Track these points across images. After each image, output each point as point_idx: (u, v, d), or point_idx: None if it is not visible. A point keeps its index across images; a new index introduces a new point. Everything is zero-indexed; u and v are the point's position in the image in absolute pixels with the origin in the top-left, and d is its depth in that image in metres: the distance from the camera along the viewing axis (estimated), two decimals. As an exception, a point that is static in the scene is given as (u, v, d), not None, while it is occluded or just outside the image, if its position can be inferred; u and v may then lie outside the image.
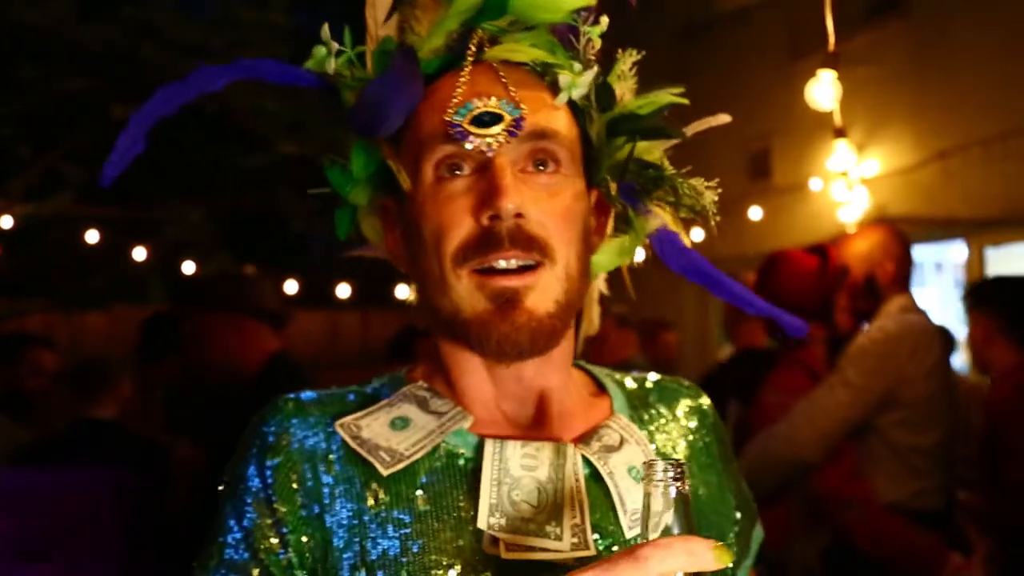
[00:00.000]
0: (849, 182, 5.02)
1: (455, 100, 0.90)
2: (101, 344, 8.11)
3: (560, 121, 0.94)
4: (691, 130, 0.99)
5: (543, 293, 0.89)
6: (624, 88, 0.99)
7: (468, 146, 0.89)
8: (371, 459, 0.89)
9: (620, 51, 0.99)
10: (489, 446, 0.91)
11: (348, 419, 0.93)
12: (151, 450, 3.00)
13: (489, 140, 0.89)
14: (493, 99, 0.90)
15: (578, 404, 1.00)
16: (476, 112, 0.89)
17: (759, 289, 2.88)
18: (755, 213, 6.16)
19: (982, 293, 3.03)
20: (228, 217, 10.45)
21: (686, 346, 6.81)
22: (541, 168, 0.92)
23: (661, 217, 1.01)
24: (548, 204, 0.91)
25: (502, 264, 0.88)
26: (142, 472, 2.81)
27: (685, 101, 0.97)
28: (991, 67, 5.80)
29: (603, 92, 0.97)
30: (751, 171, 7.48)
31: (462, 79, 0.92)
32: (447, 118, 0.90)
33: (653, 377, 1.11)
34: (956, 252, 6.59)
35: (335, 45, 0.96)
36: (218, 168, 9.67)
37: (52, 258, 8.78)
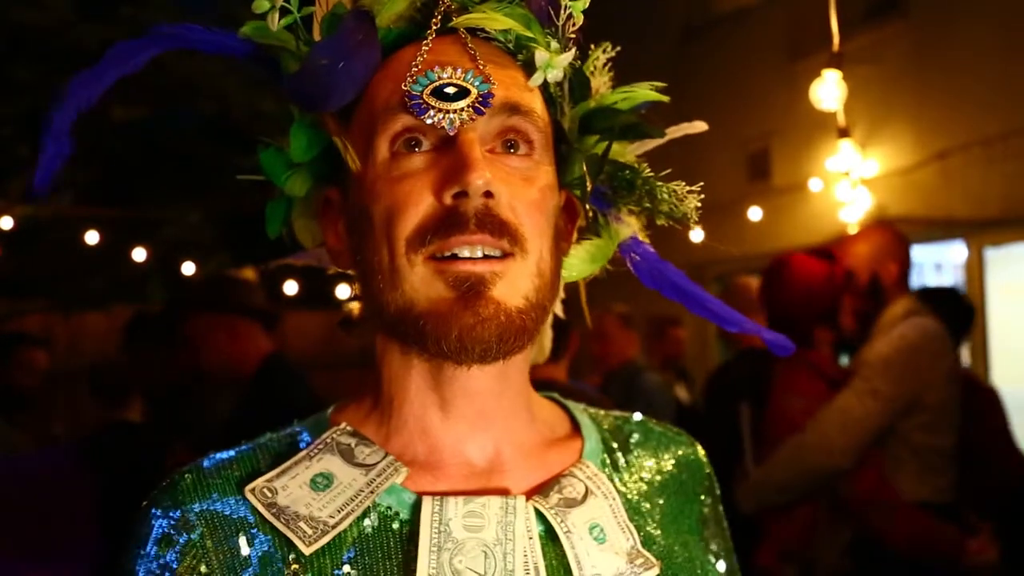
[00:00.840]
0: (852, 182, 5.03)
1: (415, 68, 0.79)
2: (100, 344, 8.10)
3: (534, 101, 0.83)
4: (671, 133, 0.90)
5: (512, 285, 0.77)
6: (599, 83, 0.89)
7: (428, 121, 0.77)
8: (290, 534, 0.76)
9: (592, 46, 0.89)
10: (427, 505, 0.78)
11: (259, 482, 0.79)
12: (149, 452, 3.01)
13: (452, 116, 0.77)
14: (459, 70, 0.79)
15: (539, 445, 0.88)
16: (438, 83, 0.78)
17: (765, 292, 2.92)
18: (754, 214, 6.15)
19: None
20: (228, 217, 10.44)
21: (686, 346, 6.80)
22: (512, 151, 0.81)
23: (632, 226, 0.91)
24: (520, 189, 0.79)
25: (466, 253, 0.76)
26: (140, 474, 2.82)
27: (666, 98, 0.88)
28: (991, 67, 5.79)
29: (577, 82, 0.87)
30: (750, 171, 7.47)
31: (424, 47, 0.80)
32: (405, 87, 0.78)
33: (637, 417, 0.99)
34: (956, 252, 6.58)
35: None
36: (217, 168, 9.67)
37: (52, 258, 8.77)
